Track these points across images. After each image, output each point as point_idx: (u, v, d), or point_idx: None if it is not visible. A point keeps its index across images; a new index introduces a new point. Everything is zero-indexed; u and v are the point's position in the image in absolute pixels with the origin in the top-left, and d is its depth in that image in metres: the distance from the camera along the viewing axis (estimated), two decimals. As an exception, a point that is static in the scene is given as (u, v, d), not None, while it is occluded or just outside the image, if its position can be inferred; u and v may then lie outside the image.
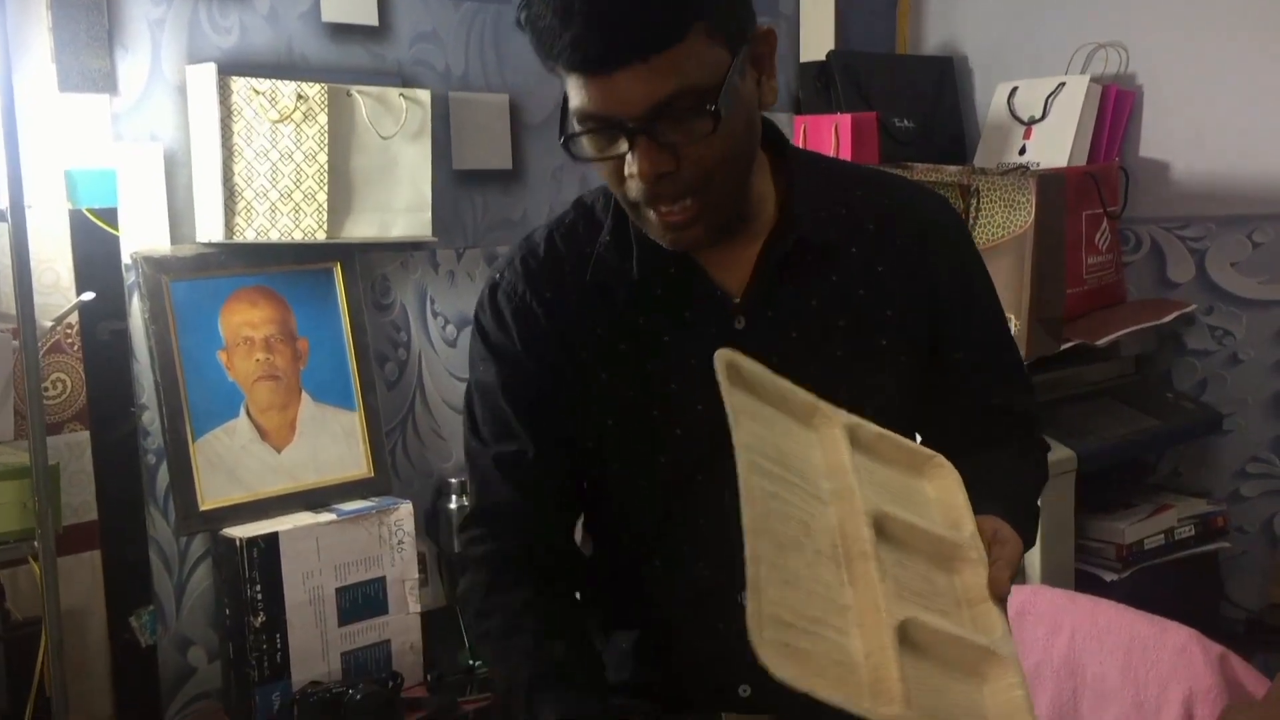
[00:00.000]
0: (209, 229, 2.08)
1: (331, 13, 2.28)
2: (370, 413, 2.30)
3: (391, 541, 2.20)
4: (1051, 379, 2.55)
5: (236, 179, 2.07)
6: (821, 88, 2.88)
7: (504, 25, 2.54)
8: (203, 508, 2.08)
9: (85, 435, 2.01)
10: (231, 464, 2.12)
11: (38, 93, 1.95)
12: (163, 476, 2.10)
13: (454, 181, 2.47)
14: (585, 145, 1.12)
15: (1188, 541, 2.65)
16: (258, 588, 2.04)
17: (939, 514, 1.10)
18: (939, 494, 1.12)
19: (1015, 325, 2.44)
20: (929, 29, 3.23)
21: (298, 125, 2.11)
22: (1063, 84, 2.81)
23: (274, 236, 2.11)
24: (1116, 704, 1.85)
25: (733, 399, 1.02)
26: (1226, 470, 2.80)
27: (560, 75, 1.09)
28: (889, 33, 3.23)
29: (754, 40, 1.13)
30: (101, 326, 2.03)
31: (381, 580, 2.20)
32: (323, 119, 2.13)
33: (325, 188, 2.15)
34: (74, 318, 1.99)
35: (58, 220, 1.98)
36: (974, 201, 2.55)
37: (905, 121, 2.95)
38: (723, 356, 1.05)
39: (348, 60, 2.31)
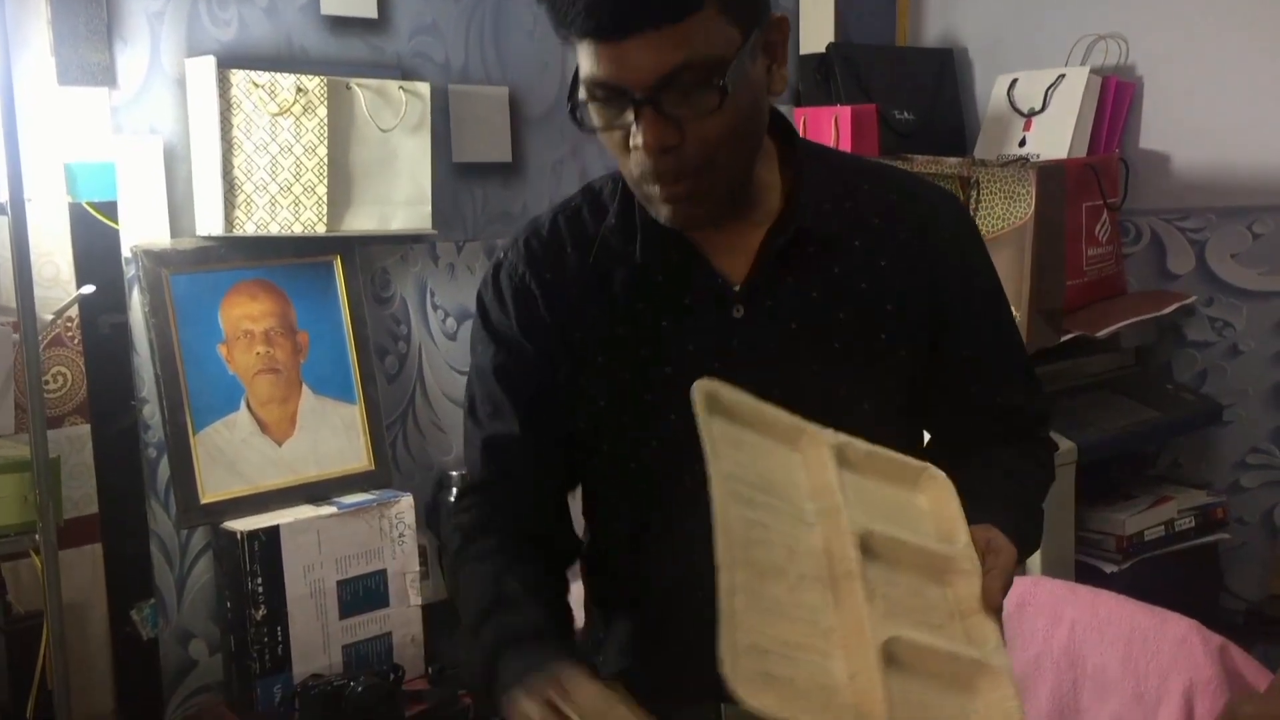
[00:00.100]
0: (209, 222, 2.08)
1: (331, 5, 2.27)
2: (370, 406, 2.30)
3: (392, 534, 2.21)
4: (1051, 371, 2.55)
5: (236, 172, 2.07)
6: (821, 80, 2.88)
7: (504, 18, 2.53)
8: (203, 501, 2.09)
9: (86, 429, 2.01)
10: (232, 457, 2.13)
11: (37, 86, 1.94)
12: (163, 470, 2.10)
13: (454, 174, 2.47)
14: (593, 115, 1.13)
15: (1188, 533, 2.65)
16: (259, 581, 2.04)
17: (932, 526, 1.10)
18: (932, 505, 1.11)
19: (1015, 317, 2.44)
20: (929, 21, 3.23)
21: (297, 118, 2.11)
22: (1063, 76, 2.81)
23: (274, 230, 2.11)
24: (1117, 695, 1.86)
25: (711, 429, 1.02)
26: (1226, 461, 2.80)
27: (573, 45, 1.10)
28: (889, 25, 3.23)
29: (767, 26, 1.14)
30: (102, 320, 2.03)
31: (382, 573, 2.20)
32: (322, 112, 2.13)
33: (325, 181, 2.14)
34: (74, 311, 1.99)
35: (57, 214, 1.98)
36: (974, 193, 2.55)
37: (905, 113, 2.95)
38: (701, 387, 1.05)
39: (347, 53, 2.31)
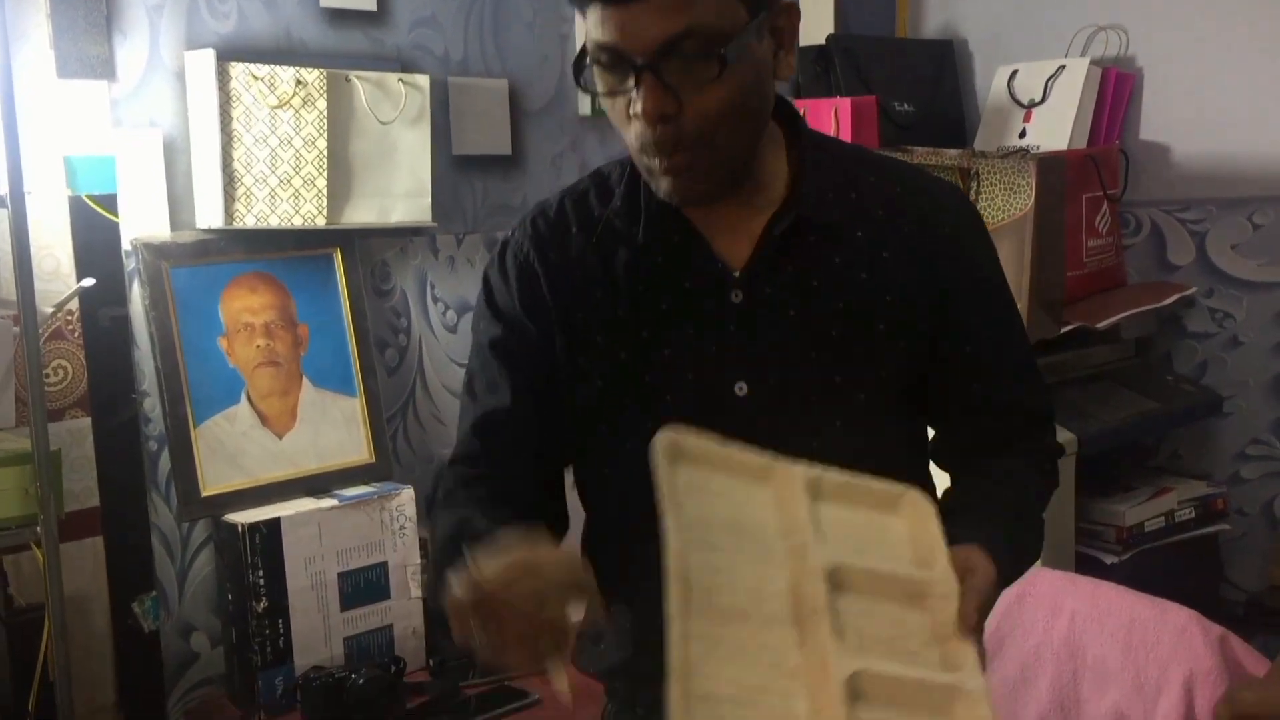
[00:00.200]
0: (209, 215, 2.08)
1: (330, -2, 2.28)
2: (371, 398, 2.30)
3: (393, 527, 2.21)
4: (1052, 362, 2.55)
5: (236, 165, 2.06)
6: (821, 72, 2.88)
7: (503, 10, 2.53)
8: (204, 493, 2.09)
9: (87, 422, 2.01)
10: (233, 450, 2.13)
11: (36, 79, 1.94)
12: (164, 463, 2.10)
13: (453, 167, 2.47)
14: (596, 80, 1.14)
15: (1188, 524, 2.65)
16: (260, 573, 2.04)
17: (910, 551, 1.09)
18: (912, 530, 1.11)
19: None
20: (929, 12, 3.22)
21: (297, 111, 2.11)
22: (1063, 67, 2.81)
23: (274, 222, 2.11)
24: (1117, 685, 1.86)
25: (674, 479, 1.03)
26: (1227, 453, 2.80)
27: (583, 11, 1.12)
28: (889, 16, 3.22)
29: (775, 11, 1.15)
30: (102, 313, 2.03)
31: (383, 565, 2.20)
32: (322, 104, 2.13)
33: (324, 173, 2.14)
34: (74, 304, 1.99)
35: (57, 207, 1.98)
36: (974, 185, 2.55)
37: (905, 105, 2.94)
38: (662, 439, 1.05)
39: (346, 45, 2.31)
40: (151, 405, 2.09)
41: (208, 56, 2.03)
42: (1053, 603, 1.96)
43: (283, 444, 2.19)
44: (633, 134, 1.14)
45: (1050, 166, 2.53)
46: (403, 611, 2.22)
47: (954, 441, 1.34)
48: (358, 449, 2.28)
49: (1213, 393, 2.76)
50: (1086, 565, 2.47)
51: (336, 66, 2.19)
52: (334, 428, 2.25)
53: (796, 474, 1.09)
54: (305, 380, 2.23)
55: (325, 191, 2.15)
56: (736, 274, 1.23)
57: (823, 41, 2.88)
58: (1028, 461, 1.32)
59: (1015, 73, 2.91)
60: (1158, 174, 2.82)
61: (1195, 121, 2.76)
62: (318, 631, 2.12)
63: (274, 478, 2.16)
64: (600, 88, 1.14)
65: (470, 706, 2.05)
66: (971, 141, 3.01)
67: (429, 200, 2.32)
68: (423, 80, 2.29)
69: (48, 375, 1.93)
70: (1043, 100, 2.83)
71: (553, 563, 1.01)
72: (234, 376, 2.15)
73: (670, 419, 1.22)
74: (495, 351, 1.29)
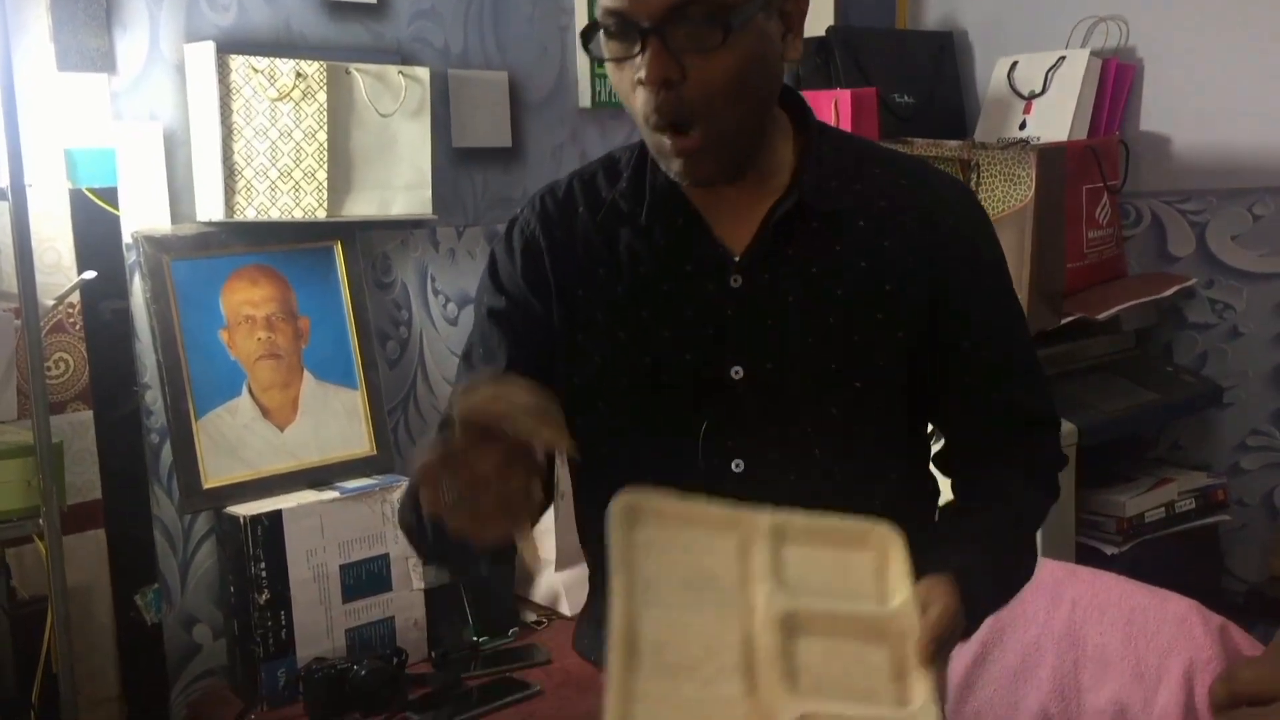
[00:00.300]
0: (209, 208, 2.08)
1: (329, -10, 2.27)
2: (372, 391, 2.31)
3: (395, 519, 2.21)
4: (1052, 353, 2.55)
5: (236, 158, 2.07)
6: (821, 63, 2.88)
7: (503, 3, 2.53)
8: (206, 486, 2.09)
9: (88, 414, 2.02)
10: (234, 442, 2.13)
11: (36, 72, 1.95)
12: (166, 455, 2.10)
13: (454, 159, 2.47)
14: (603, 45, 1.16)
15: (1188, 515, 2.65)
16: (262, 565, 2.05)
17: (876, 586, 1.10)
18: (879, 564, 1.11)
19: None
20: (928, 4, 3.22)
21: (297, 103, 2.11)
22: (1063, 58, 2.81)
23: (274, 215, 2.11)
24: (1117, 674, 1.86)
25: (627, 542, 1.05)
26: (1227, 443, 2.80)
27: None
28: (889, 8, 3.22)
29: None
30: (103, 306, 2.03)
31: (385, 557, 2.20)
32: (322, 97, 2.13)
33: (325, 166, 2.14)
34: (75, 297, 1.99)
35: (58, 200, 1.98)
36: (974, 176, 2.55)
37: (905, 97, 2.94)
38: (620, 502, 1.06)
39: (346, 38, 2.31)
40: (153, 398, 2.09)
41: (207, 49, 2.03)
42: (1053, 592, 1.96)
43: (284, 436, 2.19)
44: (638, 103, 1.15)
45: (1050, 158, 2.53)
46: (404, 603, 2.23)
47: (954, 444, 1.34)
48: (359, 441, 2.29)
49: (1213, 384, 2.76)
50: (1087, 556, 2.48)
51: (336, 59, 2.19)
52: (335, 420, 2.26)
53: (760, 521, 1.10)
54: (306, 373, 2.23)
55: (326, 184, 2.15)
56: (737, 258, 1.23)
57: (823, 33, 2.88)
58: (1025, 476, 1.31)
59: (1015, 64, 2.91)
60: (1158, 165, 2.82)
61: (1195, 112, 2.76)
62: (320, 623, 2.12)
63: (275, 470, 2.17)
64: (607, 54, 1.16)
65: (472, 698, 2.05)
66: (972, 133, 3.01)
67: (429, 193, 2.32)
68: (423, 73, 2.29)
69: (49, 368, 1.94)
70: (1043, 91, 2.83)
71: (523, 388, 1.01)
72: (235, 369, 2.15)
73: (668, 399, 1.24)
74: (495, 321, 1.30)
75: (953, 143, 2.66)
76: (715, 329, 1.23)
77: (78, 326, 2.01)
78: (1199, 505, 2.67)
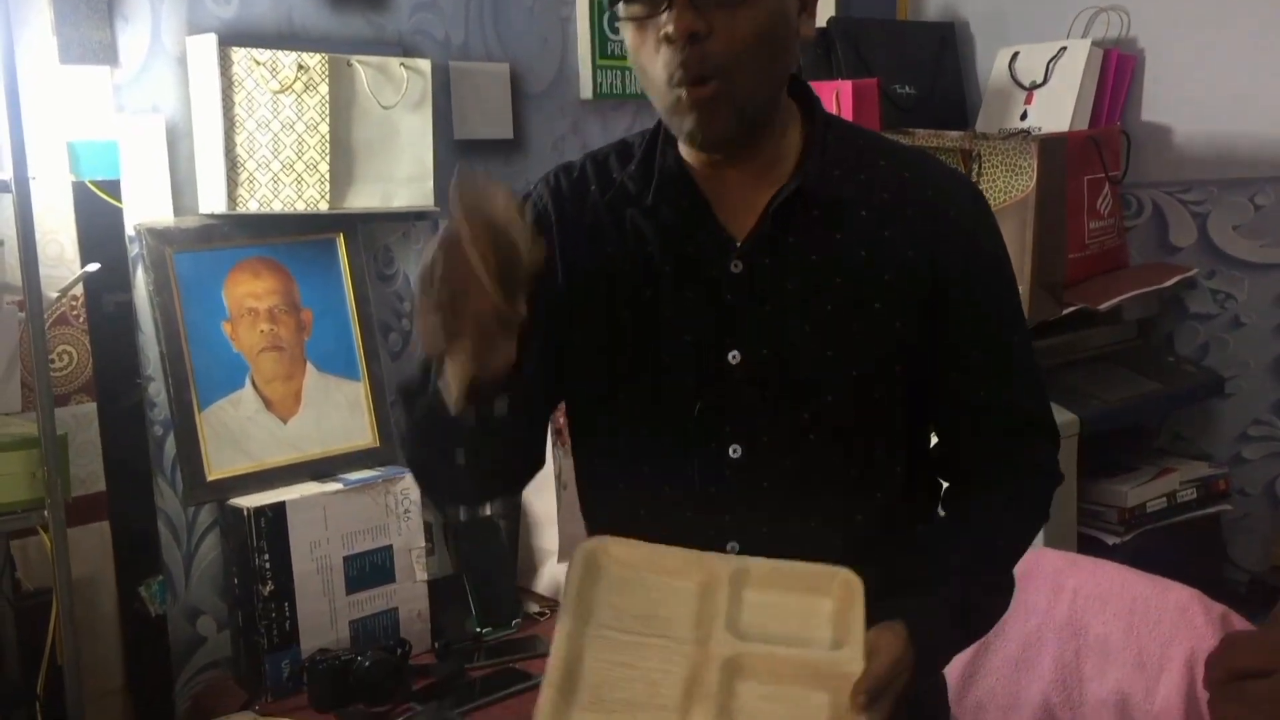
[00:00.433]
0: (212, 200, 2.08)
1: (331, -18, 2.27)
2: (375, 383, 2.31)
3: (398, 510, 2.22)
4: (1054, 344, 2.56)
5: (238, 150, 2.07)
6: (822, 55, 2.88)
7: (504, -6, 2.53)
8: (210, 478, 2.10)
9: (92, 407, 2.02)
10: (238, 434, 2.13)
11: (39, 65, 1.95)
12: (170, 447, 2.11)
13: (455, 151, 2.47)
14: (627, 10, 1.17)
15: (1190, 504, 2.66)
16: (266, 557, 2.05)
17: (831, 632, 1.12)
18: (837, 610, 1.14)
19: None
20: (930, -6, 3.22)
21: (299, 96, 2.11)
22: (1064, 48, 2.81)
23: (277, 207, 2.12)
24: (1119, 664, 1.87)
25: (582, 587, 1.10)
26: (1228, 433, 2.81)
27: None
28: (889, -1, 3.22)
29: None
30: (106, 298, 2.04)
31: (388, 549, 2.21)
32: (324, 89, 2.13)
33: (327, 158, 2.15)
34: (79, 290, 2.00)
35: (61, 192, 1.98)
36: (975, 167, 2.55)
37: (906, 88, 2.94)
38: (582, 550, 1.13)
39: (348, 30, 2.31)
40: (156, 390, 2.10)
41: (210, 42, 2.04)
42: (1055, 582, 1.97)
43: (287, 428, 2.20)
44: (661, 64, 1.16)
45: (1052, 148, 2.53)
46: (408, 595, 2.23)
47: (946, 444, 1.33)
48: (362, 433, 2.29)
49: (1214, 373, 2.77)
50: (1089, 546, 2.48)
51: (338, 51, 2.19)
52: (338, 412, 2.26)
53: (723, 566, 1.15)
54: (309, 365, 2.24)
55: (328, 176, 2.15)
56: (739, 244, 1.24)
57: (824, 24, 2.88)
58: (1013, 499, 1.31)
59: (1016, 54, 2.91)
60: (1159, 155, 2.82)
61: (1197, 102, 2.76)
62: (323, 615, 2.13)
63: (279, 462, 2.17)
64: (630, 14, 1.17)
65: (475, 689, 2.06)
66: (973, 123, 3.01)
67: (431, 184, 2.32)
68: (424, 65, 2.29)
69: (53, 361, 1.94)
70: (1044, 82, 2.83)
71: (504, 189, 1.03)
72: (238, 361, 2.15)
73: (667, 380, 1.26)
74: None
75: (954, 133, 2.66)
76: (715, 313, 1.24)
77: (81, 319, 2.01)
78: (1201, 495, 2.67)
